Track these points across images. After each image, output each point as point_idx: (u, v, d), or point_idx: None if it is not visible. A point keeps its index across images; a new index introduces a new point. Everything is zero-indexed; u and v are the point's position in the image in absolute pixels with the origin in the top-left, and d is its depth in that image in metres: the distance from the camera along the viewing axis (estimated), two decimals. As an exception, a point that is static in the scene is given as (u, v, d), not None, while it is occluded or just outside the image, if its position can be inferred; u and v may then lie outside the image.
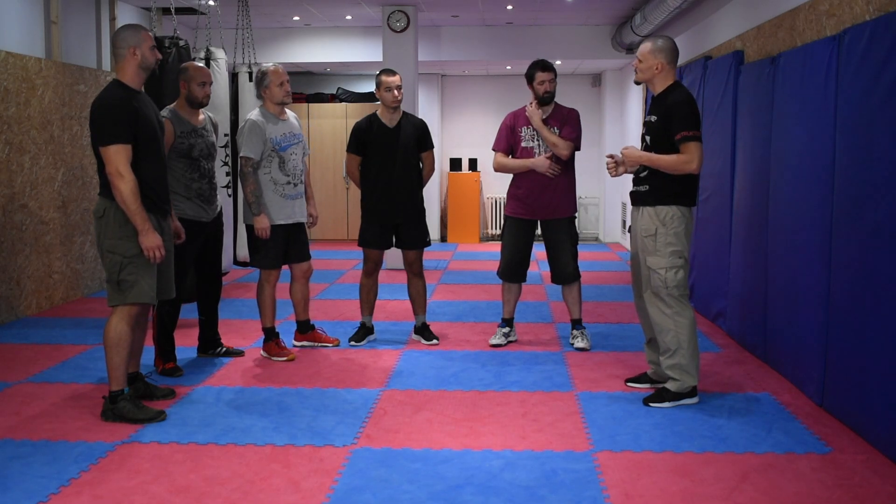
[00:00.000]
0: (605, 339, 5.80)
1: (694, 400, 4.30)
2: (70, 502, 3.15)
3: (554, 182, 5.38)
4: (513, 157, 5.50)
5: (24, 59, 6.49)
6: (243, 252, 7.22)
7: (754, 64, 5.47)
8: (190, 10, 8.33)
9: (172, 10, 6.67)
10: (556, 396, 4.47)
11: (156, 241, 3.94)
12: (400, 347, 5.58)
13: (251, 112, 5.16)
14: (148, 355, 4.87)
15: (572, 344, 5.54)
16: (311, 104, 12.34)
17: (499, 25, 10.39)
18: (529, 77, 5.42)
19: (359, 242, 5.60)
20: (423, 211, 5.59)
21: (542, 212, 5.44)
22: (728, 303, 5.87)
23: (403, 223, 5.52)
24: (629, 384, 4.66)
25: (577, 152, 5.46)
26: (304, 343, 5.54)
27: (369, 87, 12.60)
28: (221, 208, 5.09)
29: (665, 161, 4.19)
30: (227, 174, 6.79)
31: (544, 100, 5.39)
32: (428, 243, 5.63)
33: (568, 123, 5.38)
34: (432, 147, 5.64)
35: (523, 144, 5.43)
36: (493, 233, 12.92)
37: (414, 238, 5.56)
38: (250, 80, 7.17)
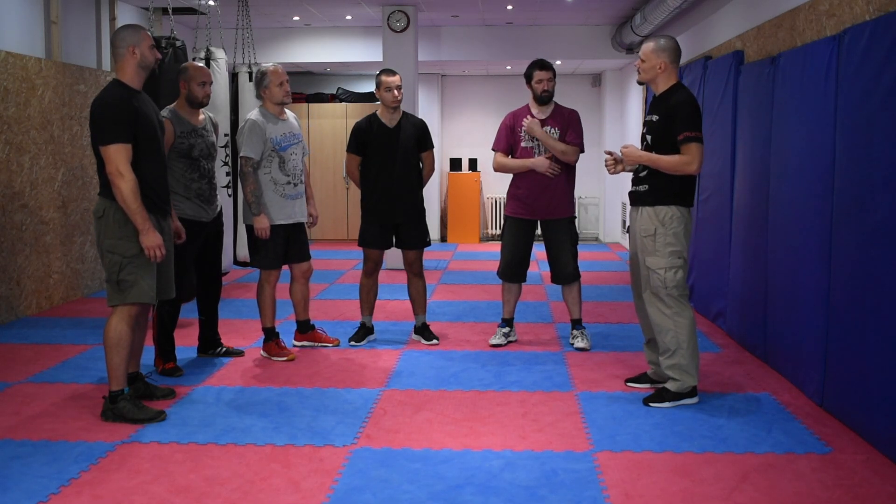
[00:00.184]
0: (605, 339, 5.80)
1: (694, 400, 4.30)
2: (70, 502, 3.15)
3: (554, 182, 5.38)
4: (513, 156, 5.50)
5: (24, 59, 6.49)
6: (243, 252, 7.22)
7: (754, 64, 5.47)
8: (190, 10, 8.33)
9: (169, 10, 6.67)
10: (556, 396, 4.47)
11: (156, 241, 3.94)
12: (400, 347, 5.58)
13: (251, 112, 5.16)
14: (148, 355, 4.87)
15: (572, 344, 5.54)
16: (311, 104, 12.34)
17: (499, 25, 10.39)
18: (528, 76, 5.42)
19: (359, 242, 5.60)
20: (423, 211, 5.59)
21: (542, 212, 5.44)
22: (728, 303, 5.87)
23: (403, 223, 5.52)
24: (629, 384, 4.66)
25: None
26: (304, 343, 5.54)
27: (369, 87, 12.61)
28: (221, 208, 5.09)
29: (665, 161, 4.19)
30: (227, 174, 6.79)
31: (543, 99, 5.39)
32: (428, 243, 5.63)
33: (571, 128, 5.39)
34: (432, 147, 5.64)
35: (523, 144, 5.43)
36: (493, 233, 12.92)
37: (414, 238, 5.56)
38: (250, 80, 7.17)
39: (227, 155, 6.74)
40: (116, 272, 3.94)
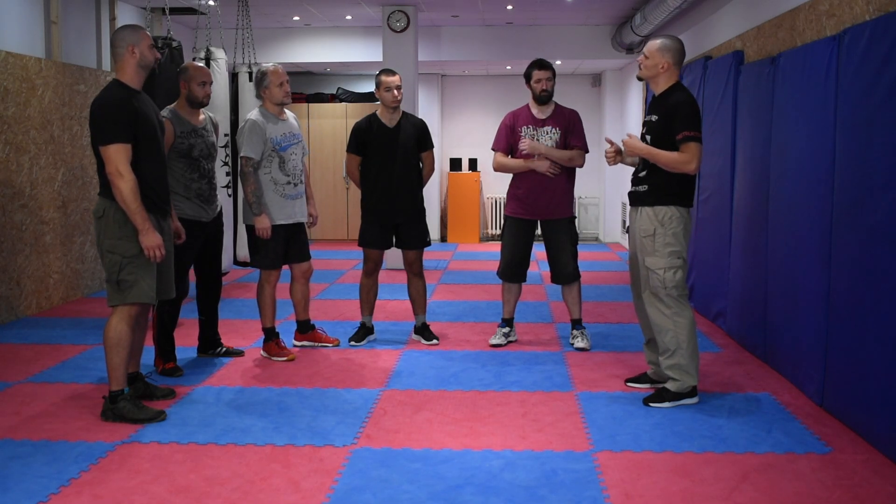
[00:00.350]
0: (605, 339, 5.80)
1: (694, 400, 4.30)
2: (70, 502, 3.15)
3: (554, 182, 5.38)
4: (513, 156, 5.50)
5: (24, 59, 6.49)
6: (243, 252, 7.22)
7: (754, 64, 5.47)
8: (190, 10, 8.33)
9: (166, 10, 6.67)
10: (556, 396, 4.47)
11: (156, 241, 3.94)
12: (400, 347, 5.58)
13: (251, 112, 5.16)
14: (148, 355, 4.87)
15: (572, 344, 5.54)
16: (311, 104, 12.34)
17: (499, 25, 10.39)
18: (527, 76, 5.42)
19: (359, 242, 5.60)
20: (423, 211, 5.59)
21: (542, 212, 5.44)
22: (728, 303, 5.87)
23: (403, 223, 5.52)
24: (629, 384, 4.66)
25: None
26: (305, 343, 5.54)
27: (369, 87, 12.60)
28: (221, 208, 5.09)
29: (664, 157, 4.19)
30: (227, 174, 6.79)
31: (542, 99, 5.39)
32: (428, 243, 5.63)
33: (574, 131, 5.39)
34: (432, 147, 5.64)
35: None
36: (493, 233, 12.92)
37: (414, 238, 5.56)
38: (250, 80, 7.17)
39: (227, 155, 6.74)
40: (116, 272, 3.94)
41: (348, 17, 9.79)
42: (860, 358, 3.80)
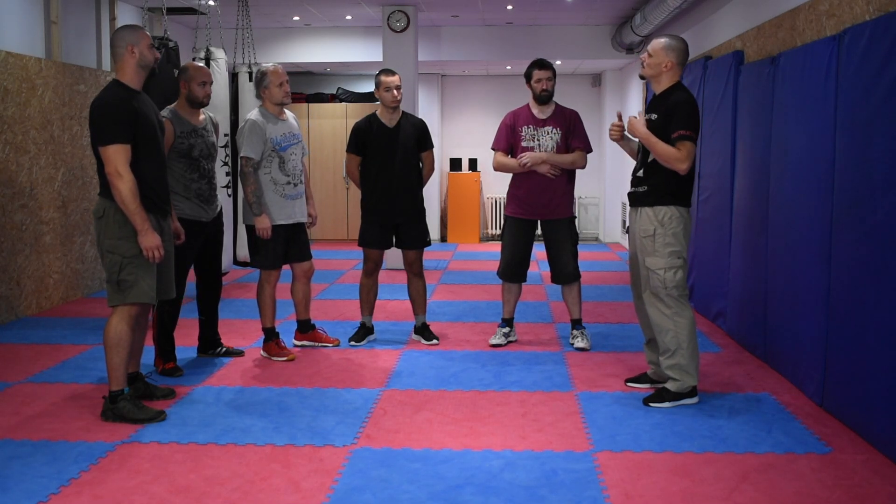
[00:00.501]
0: (605, 339, 5.80)
1: (694, 400, 4.30)
2: (70, 502, 3.15)
3: (554, 182, 5.38)
4: (513, 156, 5.50)
5: (24, 59, 6.49)
6: (243, 252, 7.22)
7: (754, 64, 5.47)
8: (190, 10, 8.33)
9: (164, 11, 6.67)
10: (556, 396, 4.47)
11: (155, 242, 3.94)
12: (400, 347, 5.58)
13: (251, 112, 5.16)
14: (148, 355, 4.87)
15: (572, 344, 5.54)
16: (311, 104, 12.34)
17: (499, 25, 10.39)
18: (527, 76, 5.42)
19: (359, 242, 5.60)
20: (423, 211, 5.59)
21: (542, 212, 5.44)
22: (728, 303, 5.87)
23: (403, 223, 5.52)
24: (629, 384, 4.66)
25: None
26: (305, 343, 5.54)
27: (369, 87, 12.60)
28: (221, 208, 5.09)
29: (661, 147, 4.18)
30: (227, 174, 6.79)
31: (542, 98, 5.39)
32: (428, 243, 5.63)
33: (575, 133, 5.40)
34: (432, 147, 5.64)
35: (523, 144, 5.42)
36: (493, 233, 12.92)
37: (414, 238, 5.56)
38: (250, 80, 7.17)
39: (227, 155, 6.74)
40: (116, 272, 3.94)
41: (348, 17, 9.79)
42: (860, 358, 3.80)
